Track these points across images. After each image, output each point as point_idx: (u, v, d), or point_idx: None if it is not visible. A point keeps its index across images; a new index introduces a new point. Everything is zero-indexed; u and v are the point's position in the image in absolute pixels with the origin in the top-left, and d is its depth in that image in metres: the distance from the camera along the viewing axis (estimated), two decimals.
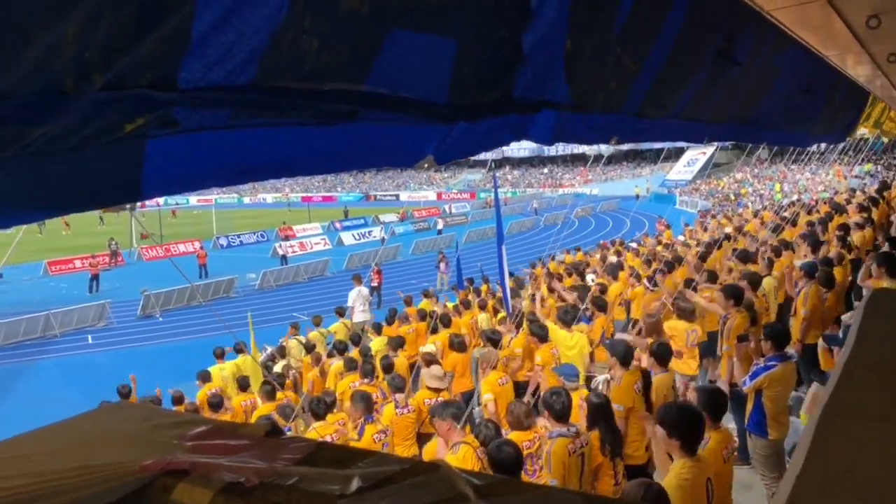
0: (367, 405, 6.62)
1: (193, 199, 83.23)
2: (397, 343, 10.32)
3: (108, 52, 1.12)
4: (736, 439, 6.11)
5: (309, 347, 11.93)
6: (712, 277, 9.69)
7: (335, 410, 7.53)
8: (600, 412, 5.16)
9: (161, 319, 23.47)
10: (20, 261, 32.79)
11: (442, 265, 25.55)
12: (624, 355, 6.01)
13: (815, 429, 1.14)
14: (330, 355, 10.74)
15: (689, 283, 9.63)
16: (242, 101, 1.49)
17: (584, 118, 2.77)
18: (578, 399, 5.48)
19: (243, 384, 10.00)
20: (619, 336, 8.06)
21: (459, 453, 4.92)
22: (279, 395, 9.05)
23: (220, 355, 11.70)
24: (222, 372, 11.28)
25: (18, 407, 14.66)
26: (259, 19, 1.35)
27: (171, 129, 1.40)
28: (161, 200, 75.98)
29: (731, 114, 4.86)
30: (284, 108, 1.61)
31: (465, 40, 1.91)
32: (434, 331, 11.05)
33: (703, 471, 3.90)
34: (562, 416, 4.99)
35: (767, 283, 9.28)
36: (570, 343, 8.05)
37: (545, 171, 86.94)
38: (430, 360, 8.48)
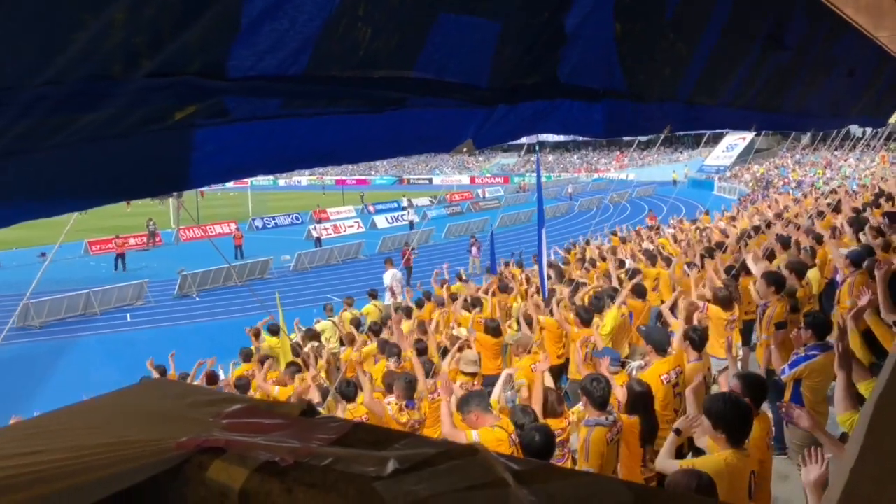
0: (409, 389, 6.60)
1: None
2: (425, 327, 10.33)
3: (156, 38, 1.11)
4: (773, 427, 5.98)
5: (356, 324, 11.94)
6: (745, 268, 9.48)
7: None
8: (640, 400, 5.08)
9: (197, 299, 23.86)
10: (63, 240, 33.48)
11: (474, 249, 25.50)
12: (660, 343, 5.91)
13: (869, 419, 1.09)
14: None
15: (729, 269, 9.46)
16: (294, 91, 1.47)
17: (640, 107, 2.71)
18: (619, 384, 5.41)
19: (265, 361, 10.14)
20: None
21: (496, 431, 4.86)
22: (305, 375, 9.11)
23: (257, 335, 11.85)
24: (259, 353, 11.41)
25: (60, 382, 15.06)
26: (313, 6, 1.32)
27: (223, 119, 1.39)
28: None
29: (781, 101, 4.73)
30: (336, 96, 1.59)
31: (507, 22, 1.87)
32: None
33: (749, 464, 3.81)
34: (601, 403, 4.88)
35: (811, 271, 9.07)
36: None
37: (580, 155, 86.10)
38: (461, 344, 8.47)
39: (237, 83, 1.32)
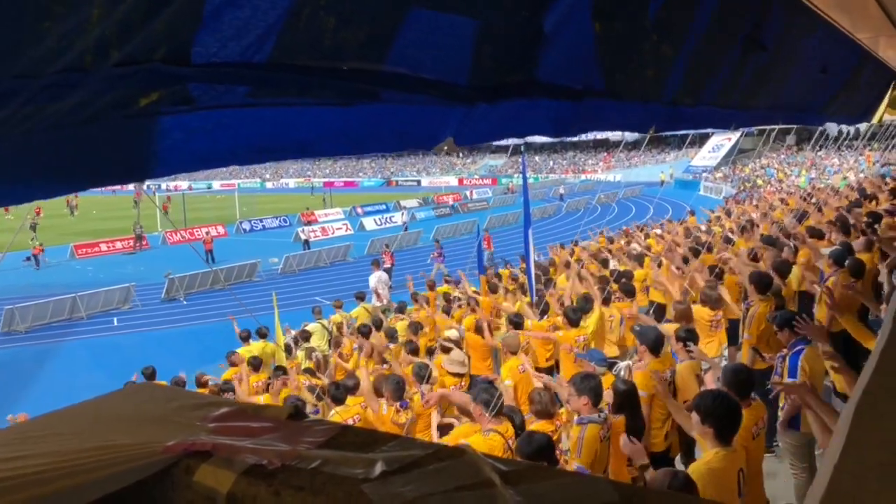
0: (398, 390, 6.60)
1: (217, 183, 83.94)
2: (417, 328, 10.36)
3: (125, 28, 1.11)
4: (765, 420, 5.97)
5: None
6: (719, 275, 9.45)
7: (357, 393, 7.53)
8: (626, 399, 5.10)
9: (185, 302, 23.72)
10: (48, 244, 33.26)
11: (436, 254, 25.37)
12: (654, 343, 5.93)
13: (852, 415, 1.11)
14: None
15: (712, 269, 9.50)
16: (260, 79, 1.47)
17: (620, 107, 2.71)
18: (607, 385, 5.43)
19: (255, 364, 10.16)
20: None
21: (490, 438, 4.87)
22: (301, 378, 9.12)
23: (246, 338, 11.85)
24: (249, 355, 11.39)
25: (46, 387, 14.93)
26: None
27: (188, 106, 1.39)
28: (188, 185, 76.66)
29: (759, 100, 4.76)
30: (304, 87, 1.59)
31: (485, 20, 1.87)
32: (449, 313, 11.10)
33: (735, 462, 3.81)
34: (595, 401, 4.90)
35: (795, 270, 9.13)
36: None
37: (568, 156, 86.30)
38: (449, 346, 8.47)
39: (201, 69, 1.32)
